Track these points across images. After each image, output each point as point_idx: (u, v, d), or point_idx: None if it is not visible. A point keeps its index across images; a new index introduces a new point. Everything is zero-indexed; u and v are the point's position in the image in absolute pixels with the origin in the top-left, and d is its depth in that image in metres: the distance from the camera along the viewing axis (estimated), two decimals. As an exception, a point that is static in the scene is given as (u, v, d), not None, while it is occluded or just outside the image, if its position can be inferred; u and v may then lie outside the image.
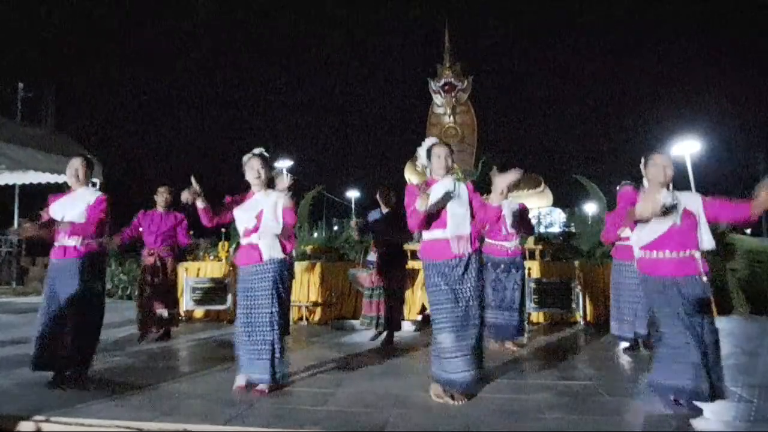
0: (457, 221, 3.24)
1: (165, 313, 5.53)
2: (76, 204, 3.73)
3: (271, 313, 3.38)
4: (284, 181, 3.58)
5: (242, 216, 3.50)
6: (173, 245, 5.67)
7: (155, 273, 5.52)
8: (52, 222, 3.69)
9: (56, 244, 3.71)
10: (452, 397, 3.13)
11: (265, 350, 3.36)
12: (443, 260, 3.23)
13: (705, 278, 2.95)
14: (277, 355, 3.37)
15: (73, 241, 3.68)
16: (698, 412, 2.88)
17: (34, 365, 3.60)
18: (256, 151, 3.57)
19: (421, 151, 3.45)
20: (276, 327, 3.39)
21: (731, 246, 7.96)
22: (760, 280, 7.63)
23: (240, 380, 3.44)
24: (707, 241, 2.99)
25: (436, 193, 3.22)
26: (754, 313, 7.30)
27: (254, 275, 3.43)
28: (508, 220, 4.95)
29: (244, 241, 3.51)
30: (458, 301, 3.17)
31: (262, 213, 3.46)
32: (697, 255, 2.97)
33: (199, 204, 3.38)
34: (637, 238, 3.09)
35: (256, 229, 3.46)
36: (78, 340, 3.64)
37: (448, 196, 3.25)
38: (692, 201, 3.02)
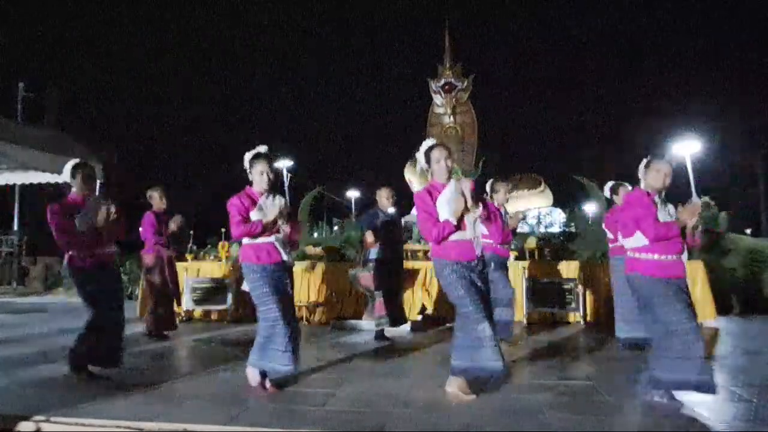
0: (473, 222, 3.30)
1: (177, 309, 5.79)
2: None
3: (292, 308, 3.55)
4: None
5: (261, 216, 3.46)
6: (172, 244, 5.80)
7: (162, 272, 5.62)
8: None
9: (103, 249, 3.73)
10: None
11: (295, 342, 3.43)
12: (467, 261, 3.27)
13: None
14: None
15: (114, 247, 3.87)
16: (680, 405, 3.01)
17: (90, 361, 3.72)
18: (261, 149, 3.55)
19: (419, 155, 3.46)
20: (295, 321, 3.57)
21: (730, 246, 7.97)
22: (759, 280, 7.64)
23: (256, 376, 3.46)
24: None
25: (452, 201, 3.26)
26: (752, 312, 7.31)
27: (278, 273, 3.47)
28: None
29: (261, 240, 3.45)
30: (482, 293, 3.27)
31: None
32: (684, 259, 3.14)
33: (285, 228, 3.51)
34: (634, 240, 3.17)
35: (278, 230, 3.49)
36: (122, 334, 3.89)
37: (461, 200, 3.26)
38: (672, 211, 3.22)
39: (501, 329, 4.93)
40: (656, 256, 3.08)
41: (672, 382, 3.01)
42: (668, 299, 3.04)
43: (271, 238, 3.48)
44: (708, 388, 2.95)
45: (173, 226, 5.65)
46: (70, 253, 3.68)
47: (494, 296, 5.04)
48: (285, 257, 3.51)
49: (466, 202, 3.22)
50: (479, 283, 3.29)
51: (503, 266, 5.10)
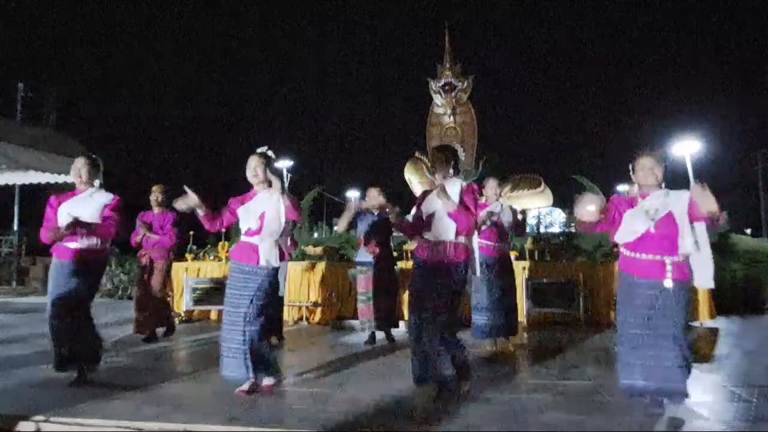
0: (438, 226, 3.32)
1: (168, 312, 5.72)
2: (87, 205, 3.66)
3: (246, 312, 3.30)
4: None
5: (245, 215, 3.48)
6: (170, 245, 5.68)
7: (152, 273, 5.55)
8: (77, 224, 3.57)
9: (69, 244, 3.60)
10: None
11: (239, 349, 3.28)
12: (421, 258, 3.39)
13: (670, 284, 2.85)
14: (251, 354, 3.28)
15: (87, 242, 3.62)
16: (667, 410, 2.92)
17: (58, 365, 3.60)
18: (259, 150, 3.56)
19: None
20: (251, 326, 3.31)
21: (730, 246, 7.97)
22: (759, 280, 7.63)
23: (245, 385, 3.35)
24: (687, 245, 2.88)
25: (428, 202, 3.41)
26: (752, 312, 7.31)
27: (246, 275, 3.38)
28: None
29: (244, 239, 3.48)
30: (417, 303, 3.33)
31: (265, 215, 3.43)
32: (668, 261, 2.88)
33: (199, 212, 3.41)
34: (620, 236, 3.07)
35: (258, 231, 3.43)
36: (94, 335, 3.71)
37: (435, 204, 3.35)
38: (680, 203, 2.92)
39: (495, 332, 4.90)
40: (628, 252, 3.01)
41: (642, 388, 2.90)
42: (628, 300, 2.96)
43: (254, 239, 3.41)
44: (673, 395, 2.87)
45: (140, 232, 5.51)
46: (56, 245, 3.62)
47: (474, 302, 5.01)
48: (263, 262, 3.37)
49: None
50: (420, 285, 3.33)
51: (490, 267, 4.81)
